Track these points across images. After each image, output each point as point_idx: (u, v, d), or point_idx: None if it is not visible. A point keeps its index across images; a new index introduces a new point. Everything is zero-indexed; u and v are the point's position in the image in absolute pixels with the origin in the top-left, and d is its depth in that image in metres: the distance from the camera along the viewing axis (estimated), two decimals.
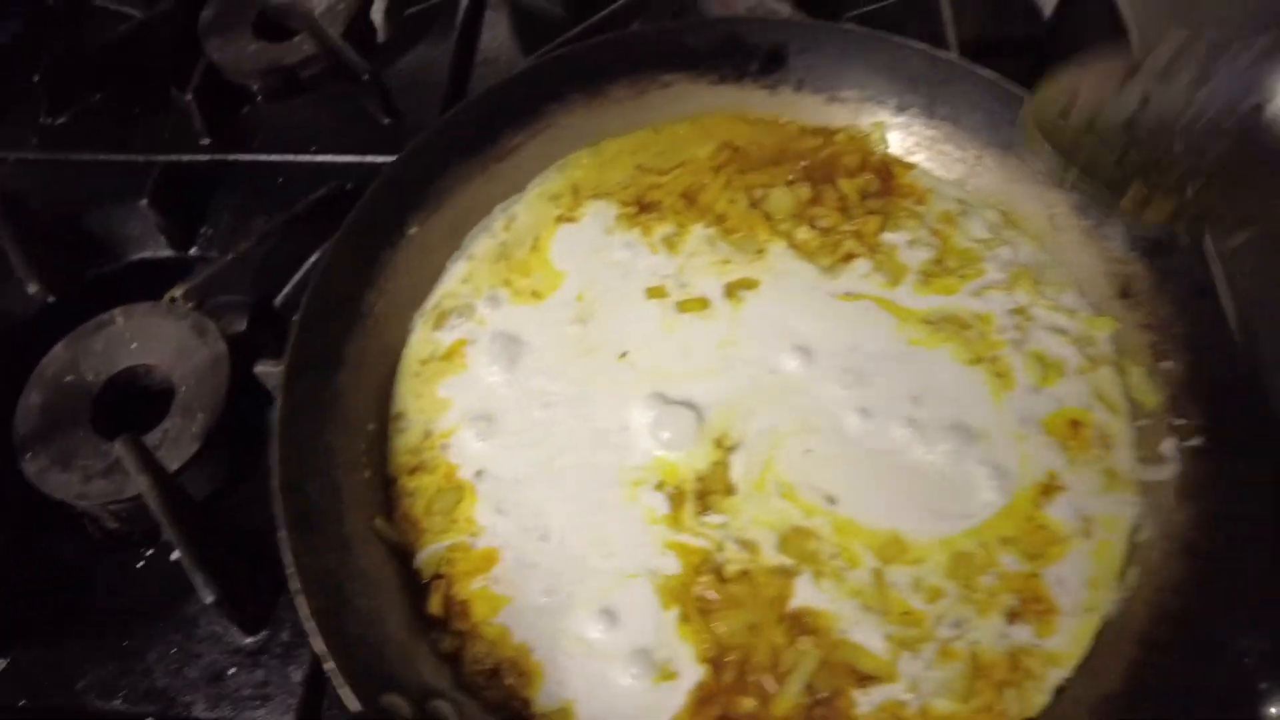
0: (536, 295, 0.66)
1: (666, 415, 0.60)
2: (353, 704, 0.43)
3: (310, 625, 0.46)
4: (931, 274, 0.65)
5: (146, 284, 0.74)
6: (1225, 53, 0.40)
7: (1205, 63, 0.40)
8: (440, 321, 0.65)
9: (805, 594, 0.55)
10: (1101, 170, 0.47)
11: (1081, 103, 0.46)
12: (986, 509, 0.57)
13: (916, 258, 0.66)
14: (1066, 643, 0.53)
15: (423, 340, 0.64)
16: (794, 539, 0.56)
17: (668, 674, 0.53)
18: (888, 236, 0.66)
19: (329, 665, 0.45)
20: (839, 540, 0.56)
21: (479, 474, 0.59)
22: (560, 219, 0.68)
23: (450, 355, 0.63)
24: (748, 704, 0.52)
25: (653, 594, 0.54)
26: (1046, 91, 0.49)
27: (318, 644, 0.45)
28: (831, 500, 0.58)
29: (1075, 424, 0.59)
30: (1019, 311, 0.64)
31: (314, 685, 0.58)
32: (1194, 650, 0.48)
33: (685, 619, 0.54)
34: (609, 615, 0.54)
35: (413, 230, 0.63)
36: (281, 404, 0.53)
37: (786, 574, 0.55)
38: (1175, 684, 0.47)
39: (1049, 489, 0.57)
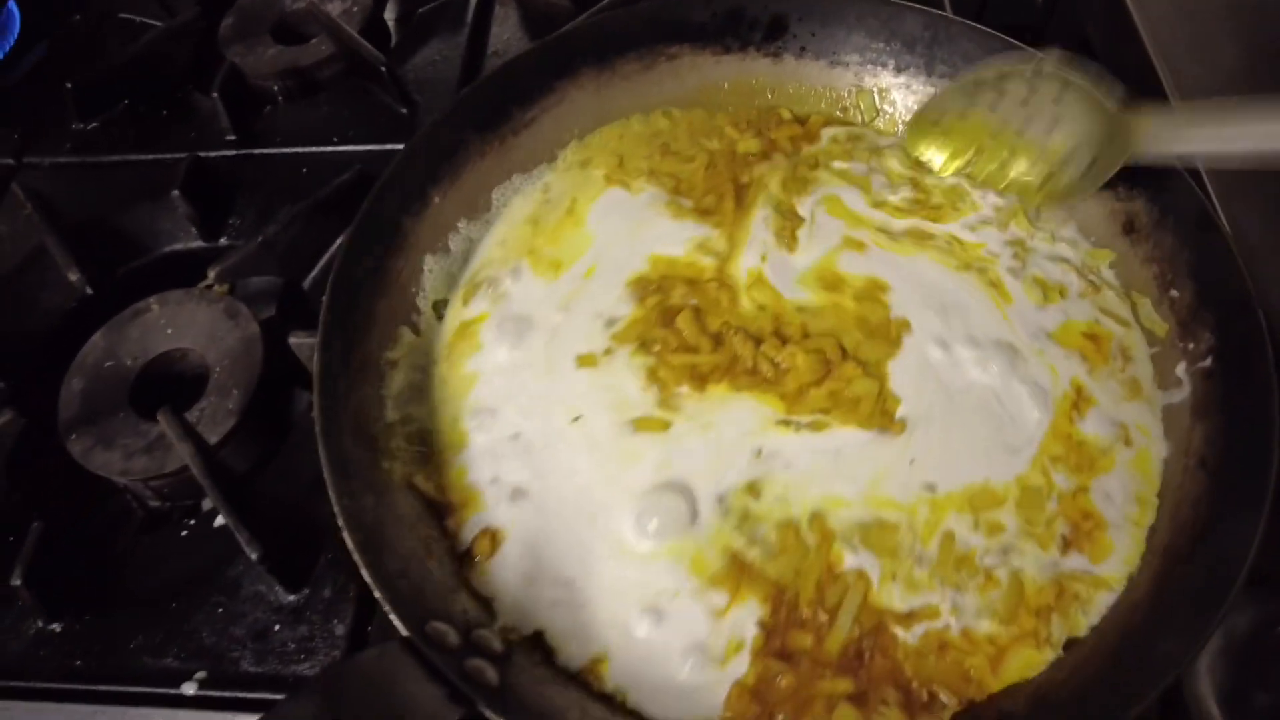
0: (556, 266, 0.67)
1: None
2: (402, 629, 0.45)
3: (357, 558, 0.47)
4: (912, 207, 0.68)
5: (179, 275, 0.77)
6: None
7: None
8: (469, 296, 0.66)
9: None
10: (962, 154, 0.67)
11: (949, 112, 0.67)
12: (1039, 429, 0.57)
13: (896, 195, 0.68)
14: (1116, 565, 0.53)
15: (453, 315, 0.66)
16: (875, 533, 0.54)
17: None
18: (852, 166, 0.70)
19: (377, 593, 0.46)
20: (932, 519, 0.54)
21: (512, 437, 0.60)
22: (609, 179, 0.70)
23: (467, 333, 0.64)
24: (804, 640, 0.51)
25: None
26: (922, 111, 0.70)
27: (365, 574, 0.47)
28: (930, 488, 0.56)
29: (1093, 337, 0.61)
30: (1015, 243, 0.65)
31: (357, 638, 0.59)
32: (1209, 559, 0.49)
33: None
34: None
35: (436, 200, 0.66)
36: (318, 360, 0.55)
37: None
38: (1190, 591, 0.48)
39: (1079, 403, 0.58)
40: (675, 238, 0.67)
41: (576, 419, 0.59)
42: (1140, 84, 0.71)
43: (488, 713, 0.43)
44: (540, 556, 0.55)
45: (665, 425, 0.58)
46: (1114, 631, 0.49)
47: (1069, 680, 0.48)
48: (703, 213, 0.68)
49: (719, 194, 0.69)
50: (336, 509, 0.49)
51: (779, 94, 0.74)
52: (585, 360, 0.61)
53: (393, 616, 0.45)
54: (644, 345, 0.61)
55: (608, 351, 0.61)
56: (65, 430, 0.69)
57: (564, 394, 0.60)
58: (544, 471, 0.58)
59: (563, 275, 0.66)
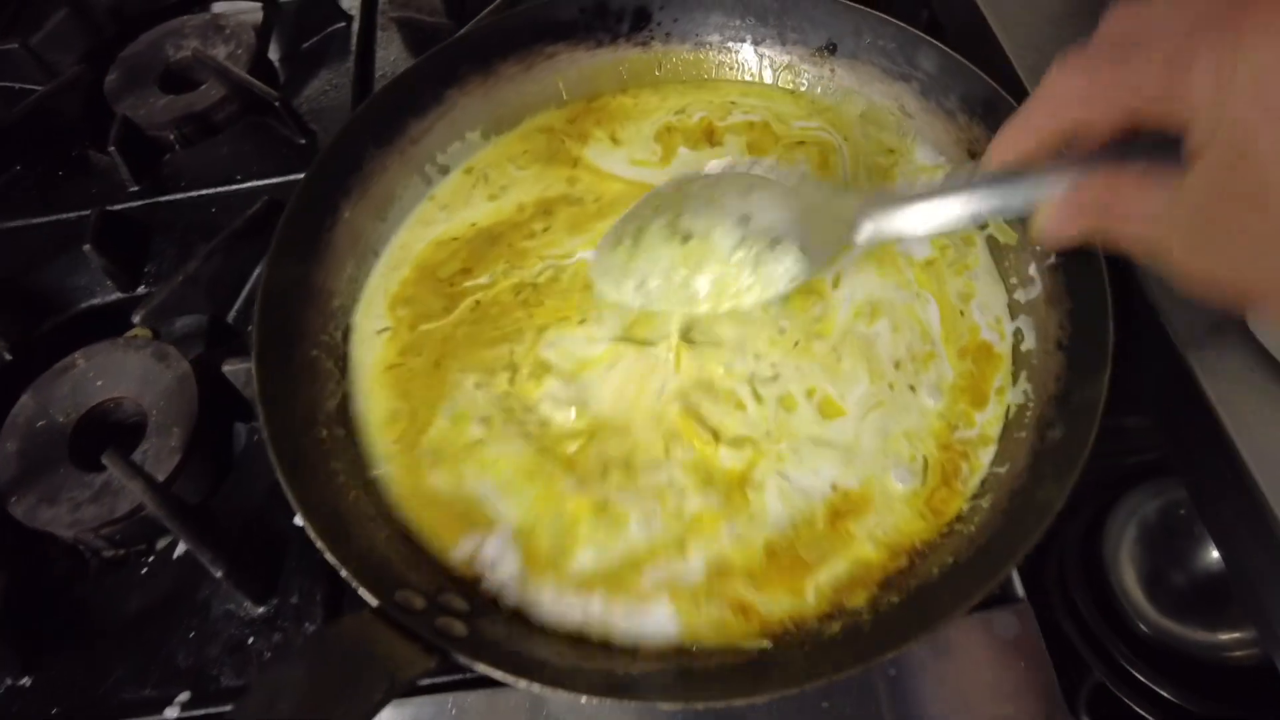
0: None
1: None
2: (372, 600, 0.48)
3: (320, 544, 0.50)
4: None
5: (101, 328, 0.79)
6: None
7: None
8: None
9: None
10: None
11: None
12: None
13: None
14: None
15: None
16: None
17: None
18: None
19: (343, 572, 0.49)
20: None
21: None
22: None
23: None
24: None
25: None
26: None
27: (329, 556, 0.50)
28: None
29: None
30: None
31: None
32: (1069, 418, 0.56)
33: None
34: None
35: (347, 214, 0.69)
36: (255, 370, 0.57)
37: None
38: (1059, 447, 0.55)
39: None
40: None
41: None
42: (970, 34, 0.80)
43: (459, 658, 0.47)
44: None
45: None
46: (1004, 498, 0.56)
47: (972, 544, 0.54)
48: None
49: None
50: (292, 500, 0.52)
51: (649, 79, 0.80)
52: None
53: (361, 590, 0.49)
54: None
55: None
56: (4, 494, 0.70)
57: None
58: None
59: None
